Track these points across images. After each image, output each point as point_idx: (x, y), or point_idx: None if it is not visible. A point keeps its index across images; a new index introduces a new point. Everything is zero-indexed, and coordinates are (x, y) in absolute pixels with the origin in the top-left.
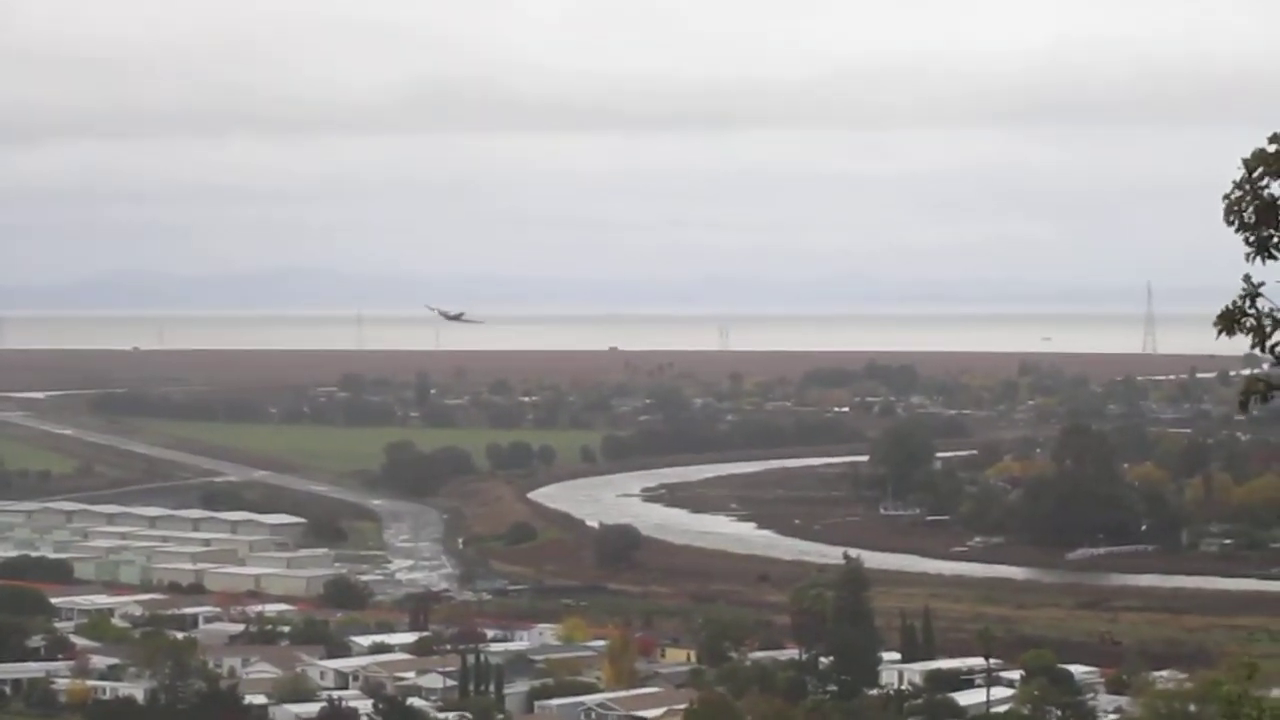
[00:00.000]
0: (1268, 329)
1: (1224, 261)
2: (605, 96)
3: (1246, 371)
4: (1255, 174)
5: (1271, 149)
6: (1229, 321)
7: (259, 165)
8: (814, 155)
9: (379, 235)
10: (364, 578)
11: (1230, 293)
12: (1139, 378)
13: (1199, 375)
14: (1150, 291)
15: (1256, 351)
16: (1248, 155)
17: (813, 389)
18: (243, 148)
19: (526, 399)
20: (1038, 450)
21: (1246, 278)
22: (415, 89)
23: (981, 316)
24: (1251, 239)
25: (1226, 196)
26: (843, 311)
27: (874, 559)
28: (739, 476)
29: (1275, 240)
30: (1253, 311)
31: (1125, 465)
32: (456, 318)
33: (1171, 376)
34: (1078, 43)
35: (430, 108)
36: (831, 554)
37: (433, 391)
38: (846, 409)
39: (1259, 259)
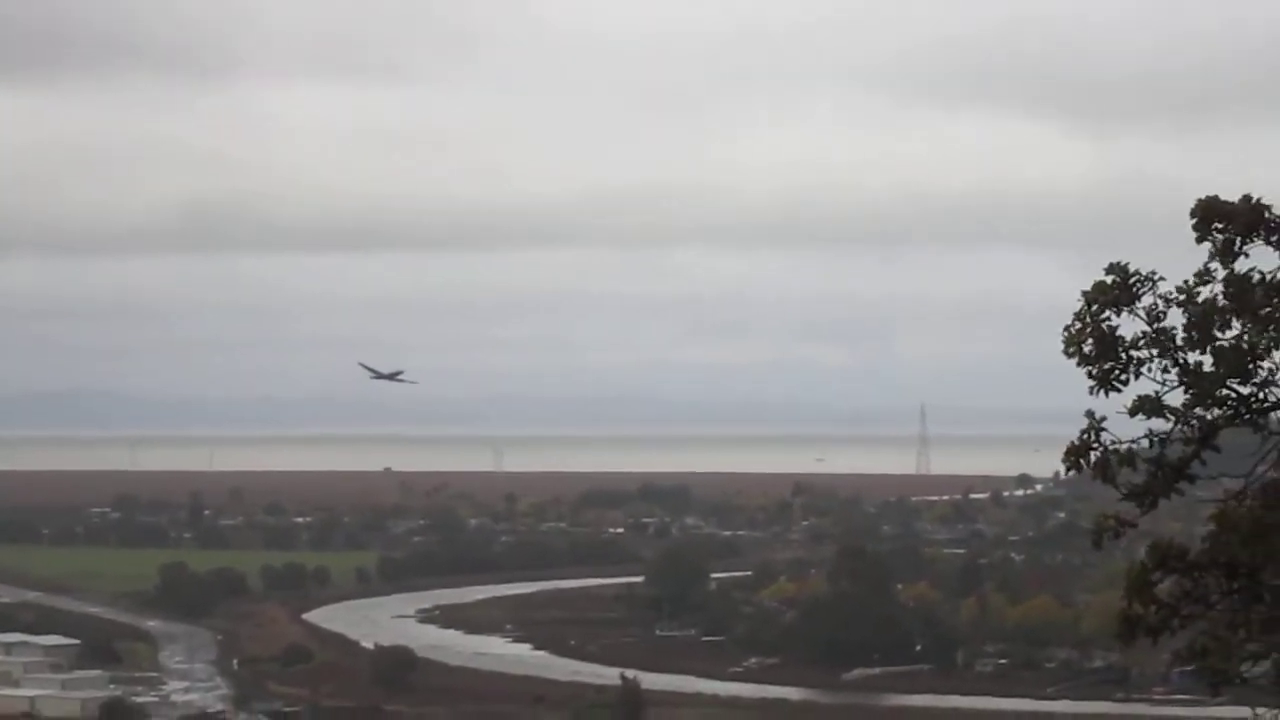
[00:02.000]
0: (1113, 463)
1: (996, 383)
2: (379, 218)
3: (1039, 487)
4: (1094, 307)
5: (1109, 281)
6: (1076, 457)
7: (37, 286)
8: (589, 275)
9: (159, 357)
10: (139, 700)
11: (1002, 415)
12: (913, 498)
13: (972, 496)
14: (924, 412)
15: (1029, 473)
16: (1088, 288)
17: (588, 510)
18: (17, 268)
19: (301, 520)
20: (812, 571)
21: (1090, 413)
22: (190, 209)
23: (756, 438)
24: (1093, 372)
25: (1066, 329)
26: (620, 432)
27: (650, 680)
28: (514, 597)
29: (1116, 373)
30: (1097, 446)
31: (900, 585)
32: (390, 377)
33: (945, 497)
34: (843, 166)
35: (206, 228)
36: (608, 675)
37: (207, 512)
38: (621, 530)
39: (1101, 392)
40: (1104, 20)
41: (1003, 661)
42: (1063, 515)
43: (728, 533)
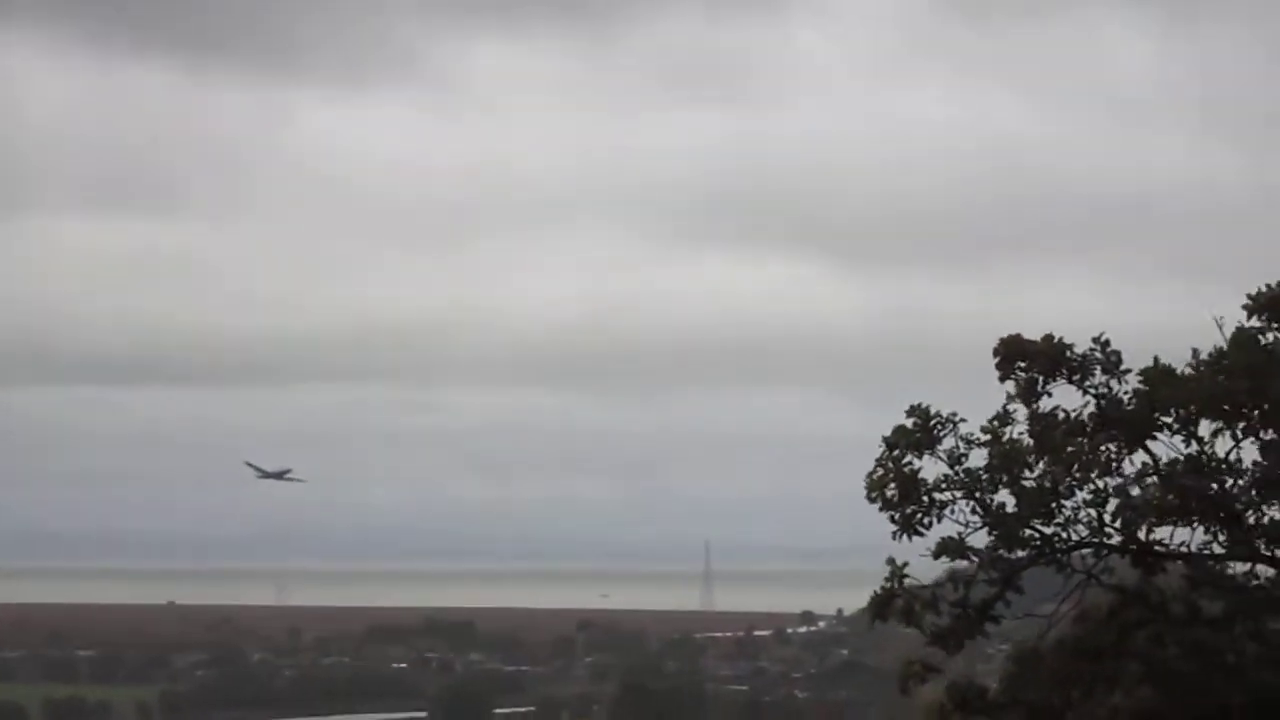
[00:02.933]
0: (916, 609)
1: (776, 519)
2: (150, 351)
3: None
4: (896, 451)
5: (910, 424)
6: (881, 606)
7: None
8: (363, 410)
9: None
10: None
11: (783, 551)
12: (696, 634)
13: (756, 632)
14: (707, 548)
15: (812, 609)
16: (888, 433)
17: (372, 644)
18: None
19: (83, 653)
20: (595, 707)
21: (890, 560)
22: None
23: (539, 573)
24: (896, 517)
25: (869, 475)
26: (403, 567)
27: None
28: None
29: (919, 516)
30: (901, 592)
31: None
32: (278, 476)
33: (729, 633)
34: (609, 305)
35: None
36: None
37: None
38: (405, 665)
39: (904, 536)
40: (857, 164)
41: None
42: (846, 652)
43: (511, 668)
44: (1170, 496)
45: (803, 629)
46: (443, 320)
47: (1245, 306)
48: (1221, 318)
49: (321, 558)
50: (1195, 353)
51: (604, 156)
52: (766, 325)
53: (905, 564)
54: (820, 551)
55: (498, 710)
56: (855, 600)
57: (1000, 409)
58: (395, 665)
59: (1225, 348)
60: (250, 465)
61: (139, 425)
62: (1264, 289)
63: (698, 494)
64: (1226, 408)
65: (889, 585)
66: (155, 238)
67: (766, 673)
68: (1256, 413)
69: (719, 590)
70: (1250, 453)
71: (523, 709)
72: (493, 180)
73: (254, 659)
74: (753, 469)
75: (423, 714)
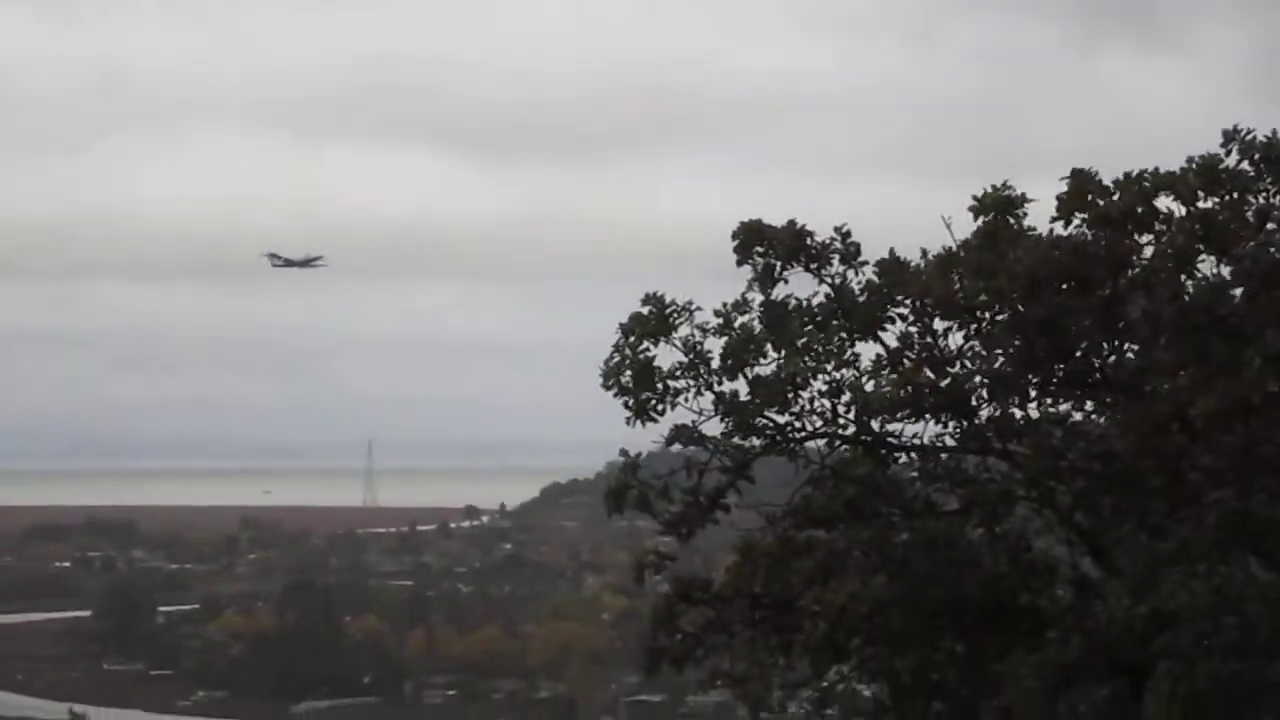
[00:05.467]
0: (650, 497)
1: (437, 415)
2: None
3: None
4: (631, 338)
5: (646, 312)
6: (616, 498)
7: None
8: (6, 309)
9: None
10: None
11: (447, 447)
12: (360, 531)
13: (420, 528)
14: (370, 446)
15: (475, 504)
16: (624, 320)
17: (33, 544)
18: None
19: None
20: (260, 604)
21: (624, 451)
22: None
23: (201, 471)
24: (630, 403)
25: (606, 362)
26: (63, 466)
27: (100, 715)
28: None
29: (654, 403)
30: (635, 483)
31: (348, 618)
32: (304, 264)
33: (393, 530)
34: (247, 200)
35: None
36: (56, 710)
37: None
38: (68, 564)
39: (639, 422)
40: (485, 60)
41: (451, 693)
42: (509, 547)
43: (175, 566)
44: (904, 389)
45: (466, 524)
46: (82, 218)
47: (971, 208)
48: (950, 218)
49: None
50: (924, 252)
51: (230, 53)
52: (408, 221)
53: (639, 454)
54: (482, 447)
55: (162, 608)
56: (517, 495)
57: (739, 296)
58: (57, 564)
59: (954, 247)
60: (272, 255)
61: None
62: (989, 189)
63: (358, 391)
64: (959, 304)
65: (623, 475)
66: None
67: (430, 567)
68: (986, 312)
69: (382, 486)
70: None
71: (187, 606)
72: (115, 79)
73: None
74: (411, 366)
75: (86, 613)
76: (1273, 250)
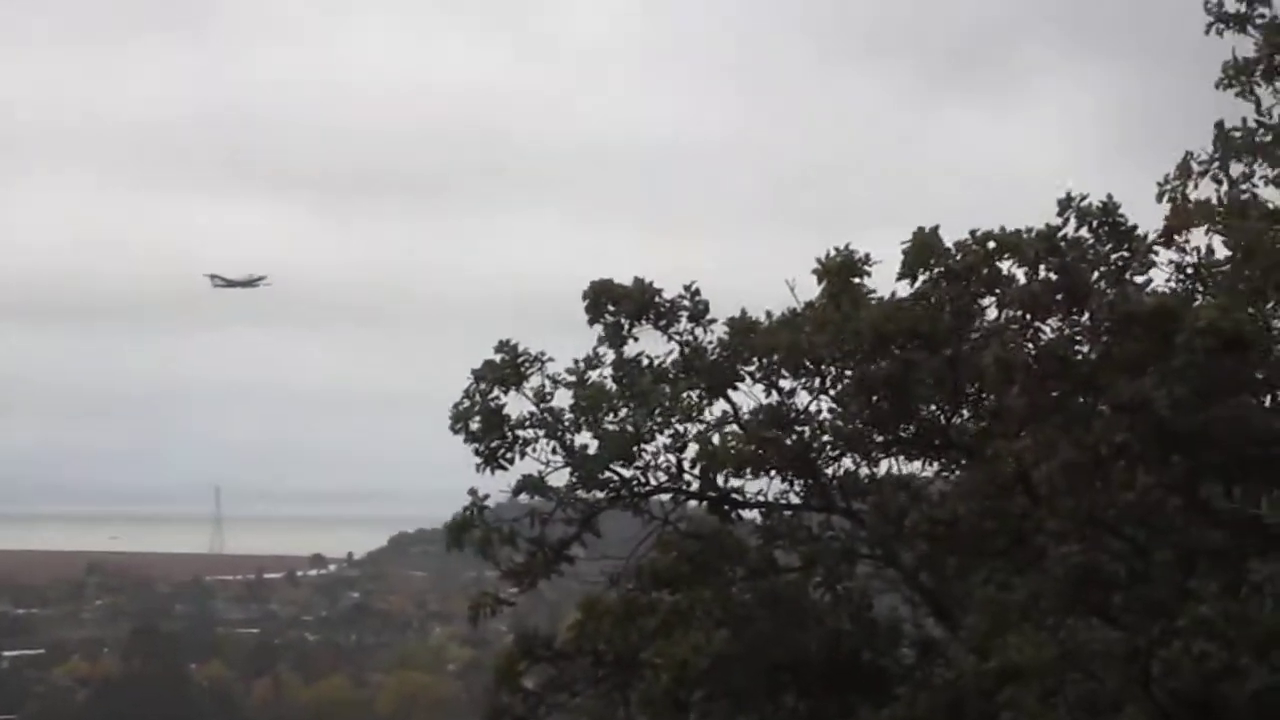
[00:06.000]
0: (494, 540)
1: (290, 463)
2: None
3: (321, 571)
4: (483, 385)
5: (499, 359)
6: (458, 533)
7: None
8: None
9: None
10: None
11: (296, 495)
12: (207, 578)
13: (267, 576)
14: (219, 493)
15: (323, 553)
16: (477, 366)
17: None
18: None
19: None
20: (105, 650)
21: (472, 490)
22: None
23: (46, 516)
24: (479, 449)
25: (455, 406)
26: None
27: None
28: None
29: (503, 451)
30: (479, 522)
31: (194, 665)
32: (247, 284)
33: (240, 577)
34: (96, 246)
35: None
36: None
37: None
38: None
39: (488, 470)
40: (322, 106)
41: None
42: (357, 596)
43: (21, 611)
44: (750, 446)
45: (313, 572)
46: None
47: (815, 271)
48: (794, 280)
49: None
50: (769, 315)
51: (73, 95)
52: (258, 270)
53: (486, 495)
54: (331, 495)
55: (6, 653)
56: (366, 544)
57: (592, 351)
58: None
59: (798, 308)
60: (212, 276)
61: None
62: (834, 250)
63: (207, 438)
64: (807, 362)
65: (468, 513)
66: None
67: (277, 615)
68: (833, 368)
69: (230, 534)
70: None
71: (32, 651)
72: None
73: None
74: (261, 413)
75: None
76: (1124, 302)
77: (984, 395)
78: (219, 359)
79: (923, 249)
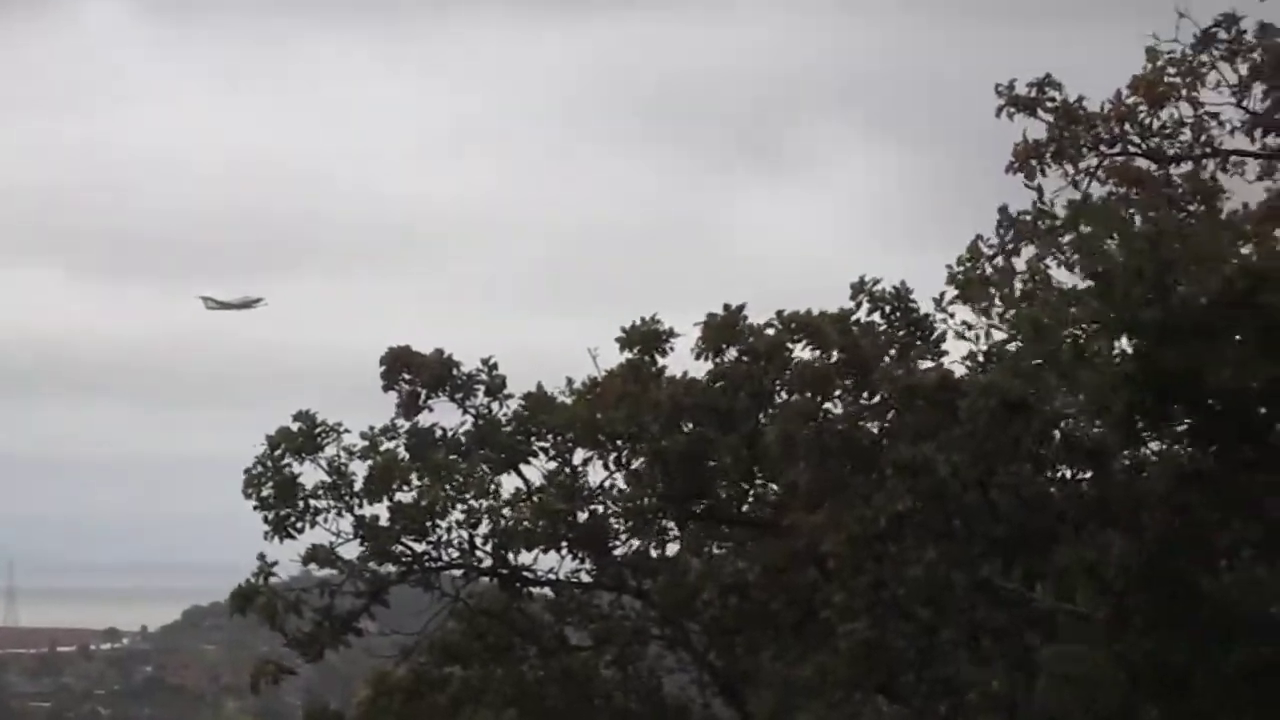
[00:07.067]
0: (279, 609)
1: (85, 535)
2: None
3: (121, 644)
4: (277, 452)
5: (294, 428)
6: (243, 600)
7: None
8: None
9: None
10: None
11: (89, 569)
12: (1, 651)
13: (60, 649)
14: (11, 565)
15: (117, 626)
16: (271, 432)
17: None
18: None
19: None
20: None
21: (261, 555)
22: None
23: None
24: (269, 517)
25: (248, 471)
26: None
27: None
28: None
29: (293, 520)
30: (265, 590)
31: None
32: (242, 306)
33: (33, 650)
34: None
35: None
36: None
37: None
38: None
39: (276, 538)
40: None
41: None
42: (150, 669)
43: None
44: (541, 521)
45: (107, 645)
46: None
47: (618, 339)
48: (596, 349)
49: None
50: (570, 381)
51: None
52: (53, 341)
53: (275, 562)
54: (126, 567)
55: None
56: (159, 617)
57: (388, 421)
58: None
59: (599, 377)
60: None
61: None
62: (638, 322)
63: (4, 508)
64: (601, 437)
65: (254, 580)
66: None
67: (70, 689)
68: (628, 444)
69: (23, 606)
70: (620, 483)
71: None
72: None
73: None
74: (55, 485)
75: None
76: (909, 377)
77: (775, 472)
78: (11, 430)
79: (723, 328)
